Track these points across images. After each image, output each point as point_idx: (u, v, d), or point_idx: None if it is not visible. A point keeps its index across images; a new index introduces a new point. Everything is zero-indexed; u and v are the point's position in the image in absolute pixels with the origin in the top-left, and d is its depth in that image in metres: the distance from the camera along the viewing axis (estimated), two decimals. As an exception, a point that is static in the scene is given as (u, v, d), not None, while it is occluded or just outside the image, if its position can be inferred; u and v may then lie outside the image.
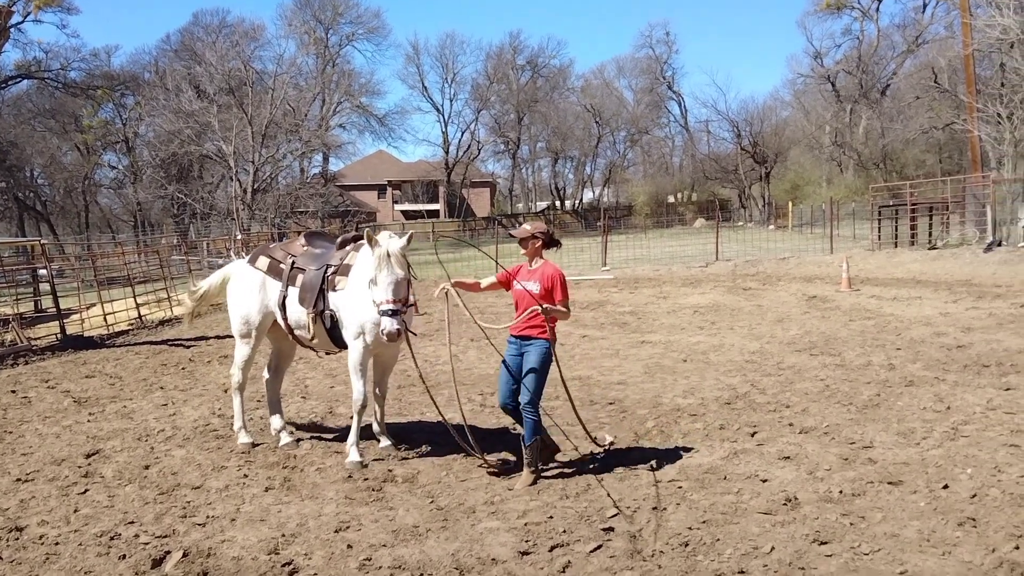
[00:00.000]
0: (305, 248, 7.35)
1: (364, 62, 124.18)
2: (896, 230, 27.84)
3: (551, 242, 6.35)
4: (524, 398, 6.07)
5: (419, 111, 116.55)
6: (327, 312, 6.85)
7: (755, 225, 54.27)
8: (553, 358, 6.16)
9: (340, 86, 66.11)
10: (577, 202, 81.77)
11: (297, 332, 7.20)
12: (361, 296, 6.46)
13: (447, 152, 74.54)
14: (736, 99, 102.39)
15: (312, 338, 7.05)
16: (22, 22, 52.88)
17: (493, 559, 4.79)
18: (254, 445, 7.41)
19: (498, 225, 48.73)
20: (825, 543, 4.77)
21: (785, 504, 5.40)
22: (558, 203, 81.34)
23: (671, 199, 77.70)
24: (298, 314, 7.06)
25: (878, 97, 57.70)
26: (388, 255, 6.10)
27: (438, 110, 75.78)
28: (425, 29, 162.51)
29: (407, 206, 76.42)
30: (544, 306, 5.97)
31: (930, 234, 26.81)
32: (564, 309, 6.13)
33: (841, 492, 5.55)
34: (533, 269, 6.24)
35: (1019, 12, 25.70)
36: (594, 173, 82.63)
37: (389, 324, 6.01)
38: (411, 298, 6.51)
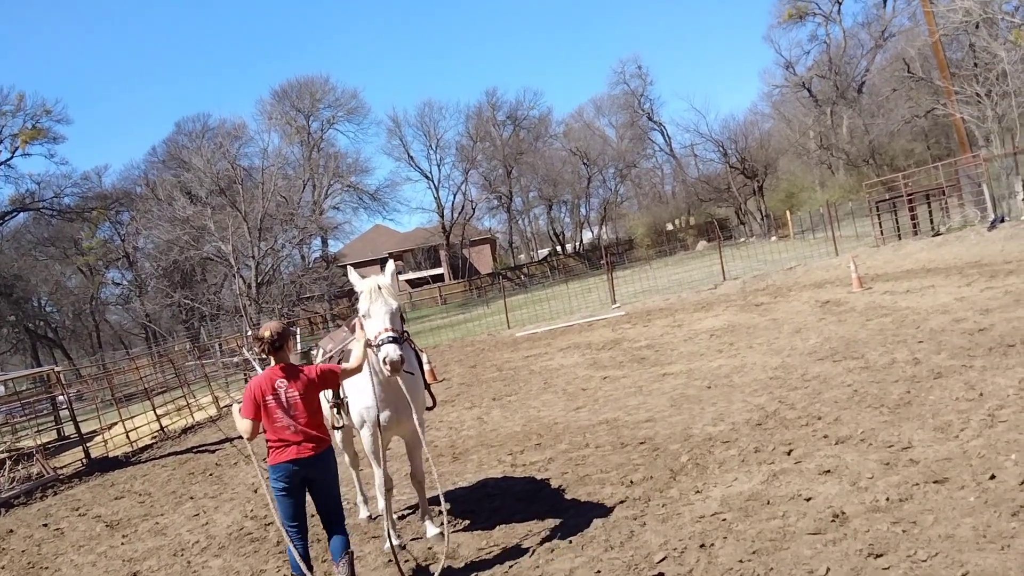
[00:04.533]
0: (344, 334, 7.20)
1: (348, 142, 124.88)
2: (897, 222, 27.75)
3: (272, 347, 5.44)
4: None
5: (409, 180, 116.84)
6: (345, 400, 6.69)
7: (757, 239, 54.20)
8: (269, 482, 5.42)
9: (328, 169, 67.01)
10: (578, 244, 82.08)
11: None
12: (357, 383, 6.32)
13: (442, 216, 75.11)
14: (717, 119, 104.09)
15: (340, 427, 6.90)
16: (11, 158, 54.18)
17: (546, 625, 4.67)
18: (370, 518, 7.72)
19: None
20: (880, 555, 4.64)
21: (833, 520, 5.27)
22: (559, 248, 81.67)
23: (669, 227, 78.04)
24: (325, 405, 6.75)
25: (855, 95, 58.18)
26: (379, 287, 5.96)
27: (427, 177, 76.58)
28: (403, 101, 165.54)
29: (411, 275, 76.71)
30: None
31: (931, 221, 26.70)
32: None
33: (888, 499, 5.42)
34: None
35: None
36: (590, 213, 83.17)
37: (392, 350, 5.62)
38: (424, 362, 6.38)
